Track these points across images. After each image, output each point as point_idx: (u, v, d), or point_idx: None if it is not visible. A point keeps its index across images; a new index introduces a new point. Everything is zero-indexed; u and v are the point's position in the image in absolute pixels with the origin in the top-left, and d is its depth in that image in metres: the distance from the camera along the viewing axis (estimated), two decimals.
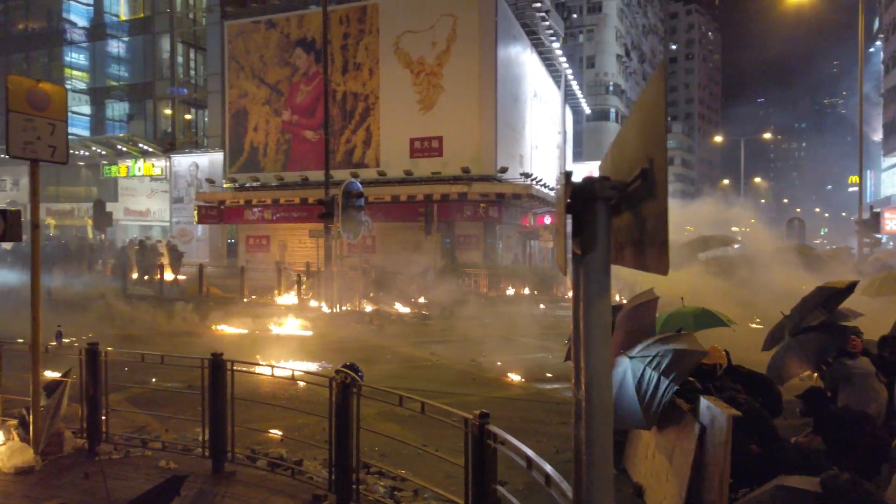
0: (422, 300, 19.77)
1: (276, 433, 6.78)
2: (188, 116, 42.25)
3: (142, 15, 42.12)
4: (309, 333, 14.72)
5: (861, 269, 17.30)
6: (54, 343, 9.53)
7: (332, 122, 27.21)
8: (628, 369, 5.15)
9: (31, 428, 5.89)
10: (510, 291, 23.15)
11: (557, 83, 41.61)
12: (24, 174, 42.20)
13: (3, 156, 35.31)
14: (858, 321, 7.82)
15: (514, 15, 31.06)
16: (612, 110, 63.35)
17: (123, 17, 43.16)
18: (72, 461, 5.96)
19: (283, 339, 13.97)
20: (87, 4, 43.72)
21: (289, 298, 20.11)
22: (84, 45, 43.87)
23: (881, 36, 57.26)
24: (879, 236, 29.05)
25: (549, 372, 10.76)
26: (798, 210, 76.99)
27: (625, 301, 8.03)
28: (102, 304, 17.49)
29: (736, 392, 5.62)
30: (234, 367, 5.70)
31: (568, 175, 1.58)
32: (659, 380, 4.83)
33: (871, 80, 53.94)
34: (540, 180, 30.85)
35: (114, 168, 41.49)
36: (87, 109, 44.05)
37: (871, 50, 59.52)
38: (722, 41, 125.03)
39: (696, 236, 19.84)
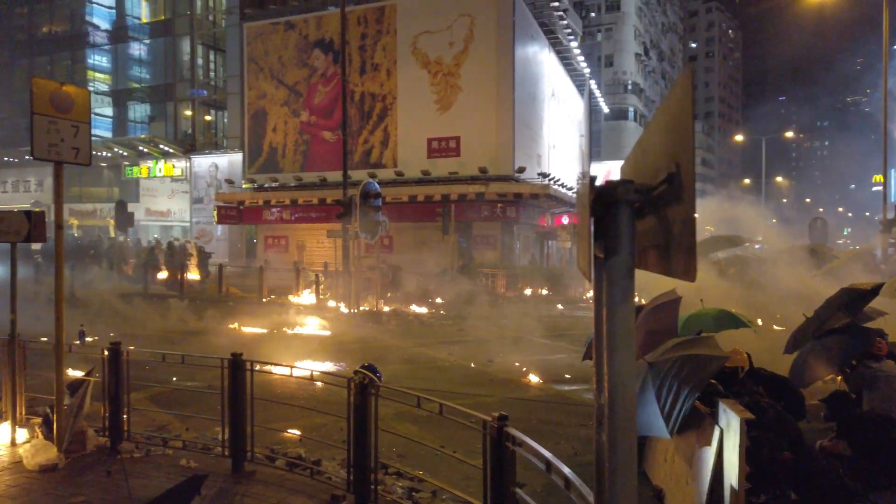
0: (439, 300, 19.77)
1: (294, 433, 6.81)
2: (208, 118, 42.68)
3: (162, 17, 42.61)
4: (327, 333, 14.78)
5: (885, 270, 16.96)
6: (77, 342, 9.67)
7: (350, 122, 27.33)
8: (648, 376, 5.09)
9: (54, 426, 5.96)
10: (527, 292, 23.07)
11: (575, 82, 41.41)
12: (47, 175, 42.92)
13: (27, 157, 35.90)
14: (883, 322, 7.66)
15: (532, 14, 30.97)
16: (631, 109, 62.90)
17: (144, 20, 43.69)
18: (94, 459, 6.02)
19: (302, 339, 14.04)
20: (110, 7, 44.34)
21: (307, 298, 20.22)
22: (106, 47, 44.50)
23: None
24: None
25: (567, 373, 10.70)
26: (821, 210, 75.79)
27: (643, 302, 7.96)
28: (124, 303, 17.72)
29: (758, 395, 5.54)
30: (254, 367, 5.74)
31: (593, 178, 1.56)
32: (679, 387, 4.77)
33: None
34: (557, 180, 30.72)
35: (135, 169, 42.07)
36: (109, 111, 44.67)
37: None
38: (742, 39, 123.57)
39: (707, 236, 19.59)
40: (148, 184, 42.41)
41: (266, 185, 32.36)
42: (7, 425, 6.43)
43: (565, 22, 33.30)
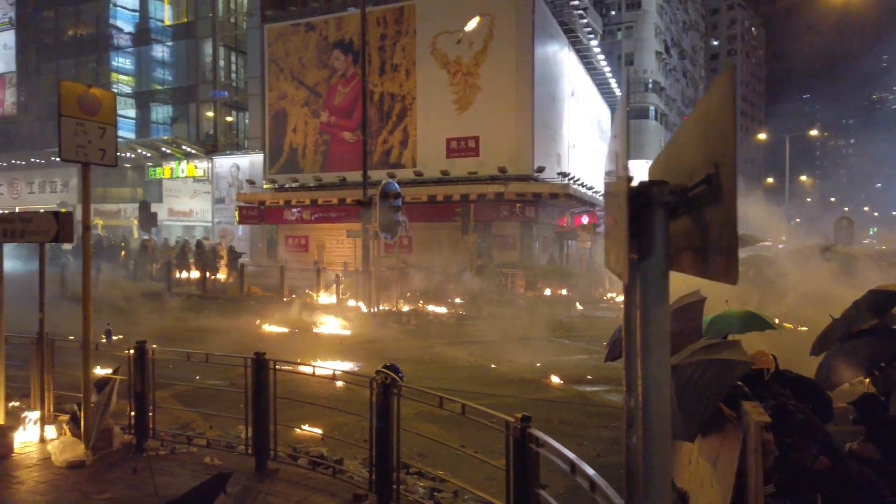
0: (458, 300, 19.77)
1: (316, 432, 6.85)
2: (229, 119, 43.09)
3: (185, 20, 43.09)
4: (347, 333, 14.85)
5: None
6: (104, 340, 9.81)
7: (370, 122, 27.41)
8: (672, 378, 5.04)
9: (81, 423, 6.06)
10: (547, 292, 22.97)
11: (595, 81, 41.12)
12: (73, 175, 43.62)
13: (53, 158, 36.54)
14: None
15: (552, 13, 30.80)
16: (652, 108, 62.29)
17: (167, 23, 44.22)
18: (120, 456, 6.11)
19: (323, 338, 14.13)
20: (133, 10, 44.94)
21: (327, 298, 20.33)
22: (130, 50, 45.11)
23: None
24: None
25: (589, 374, 10.64)
26: (846, 209, 74.50)
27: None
28: (149, 301, 17.96)
29: (785, 398, 5.46)
30: (277, 367, 5.78)
31: (630, 179, 1.55)
32: (702, 392, 4.72)
33: None
34: (577, 180, 30.53)
35: (158, 170, 42.62)
36: (132, 112, 45.28)
37: None
38: (765, 36, 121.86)
39: None
40: (171, 184, 42.93)
41: (286, 186, 32.59)
42: (36, 422, 6.55)
43: (585, 20, 33.08)
